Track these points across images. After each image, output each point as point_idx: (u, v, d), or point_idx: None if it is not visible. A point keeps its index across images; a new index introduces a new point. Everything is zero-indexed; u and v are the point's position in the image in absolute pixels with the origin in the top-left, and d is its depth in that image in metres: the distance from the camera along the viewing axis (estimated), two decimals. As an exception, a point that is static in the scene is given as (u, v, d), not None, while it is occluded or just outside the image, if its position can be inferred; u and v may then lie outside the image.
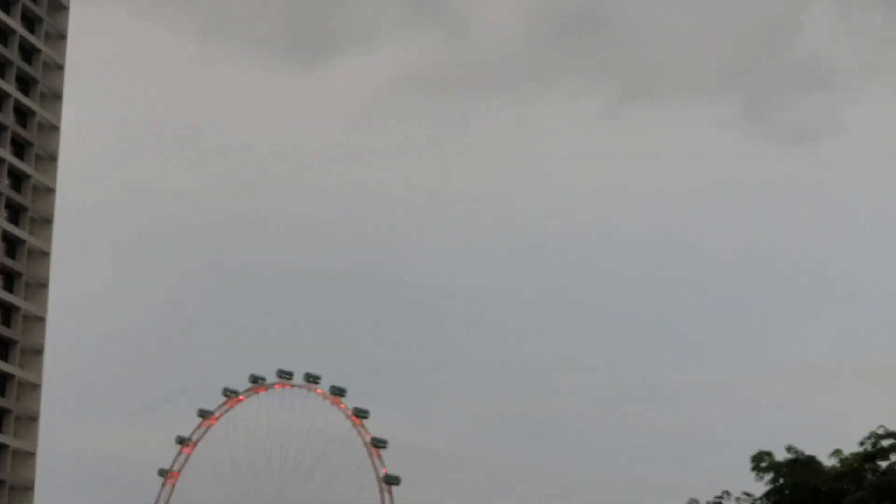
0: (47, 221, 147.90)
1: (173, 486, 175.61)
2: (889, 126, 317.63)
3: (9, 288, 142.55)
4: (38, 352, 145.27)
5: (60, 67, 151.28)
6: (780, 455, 74.10)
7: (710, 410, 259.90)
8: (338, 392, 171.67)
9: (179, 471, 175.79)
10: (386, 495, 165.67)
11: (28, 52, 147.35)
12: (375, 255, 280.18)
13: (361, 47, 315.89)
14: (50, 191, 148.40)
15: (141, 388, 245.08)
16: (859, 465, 70.47)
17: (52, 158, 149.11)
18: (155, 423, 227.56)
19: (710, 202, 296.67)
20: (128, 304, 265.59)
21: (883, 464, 70.40)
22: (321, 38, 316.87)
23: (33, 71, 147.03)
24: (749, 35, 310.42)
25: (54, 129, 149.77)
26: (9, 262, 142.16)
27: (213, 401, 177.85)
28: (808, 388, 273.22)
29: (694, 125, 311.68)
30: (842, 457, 71.73)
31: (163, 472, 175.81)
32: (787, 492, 72.43)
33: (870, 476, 70.25)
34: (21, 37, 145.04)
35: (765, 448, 74.87)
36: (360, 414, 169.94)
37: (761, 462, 74.03)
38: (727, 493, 75.77)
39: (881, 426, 70.96)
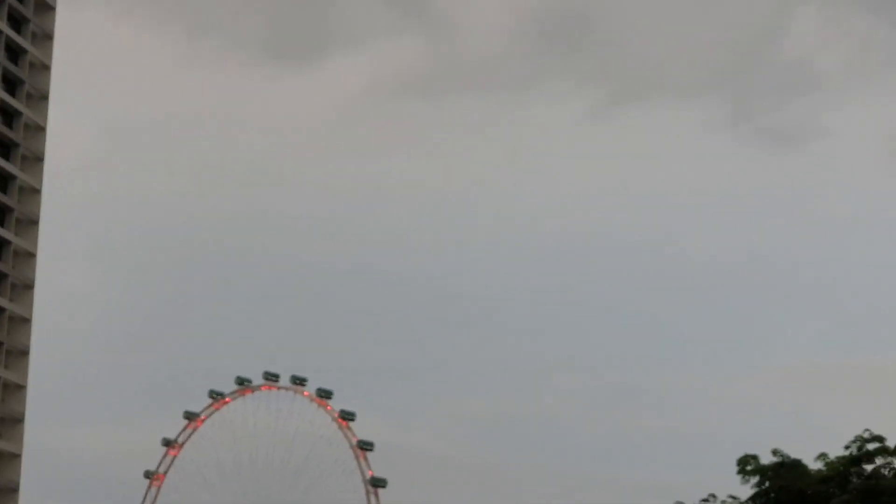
0: (33, 222, 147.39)
1: (159, 488, 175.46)
2: (875, 129, 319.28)
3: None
4: (24, 353, 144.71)
5: (47, 68, 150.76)
6: (766, 458, 74.17)
7: (699, 412, 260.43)
8: (324, 394, 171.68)
9: (165, 473, 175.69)
10: (373, 498, 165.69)
11: (14, 52, 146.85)
12: (362, 255, 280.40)
13: (347, 49, 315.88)
14: (36, 192, 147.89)
15: (127, 390, 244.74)
16: (845, 469, 70.60)
17: (39, 159, 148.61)
18: (141, 425, 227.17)
19: (698, 205, 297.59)
20: (114, 305, 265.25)
21: (868, 467, 70.54)
22: (306, 40, 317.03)
23: (19, 71, 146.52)
24: (736, 39, 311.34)
25: (40, 129, 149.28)
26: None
27: (199, 403, 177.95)
28: (797, 390, 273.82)
29: (681, 128, 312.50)
30: (827, 460, 71.86)
31: (148, 474, 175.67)
32: (772, 495, 72.52)
33: (855, 480, 70.39)
34: (7, 37, 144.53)
35: (750, 451, 74.95)
36: (347, 416, 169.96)
37: (747, 465, 74.11)
38: (713, 495, 75.90)
39: (867, 430, 71.13)
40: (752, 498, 73.62)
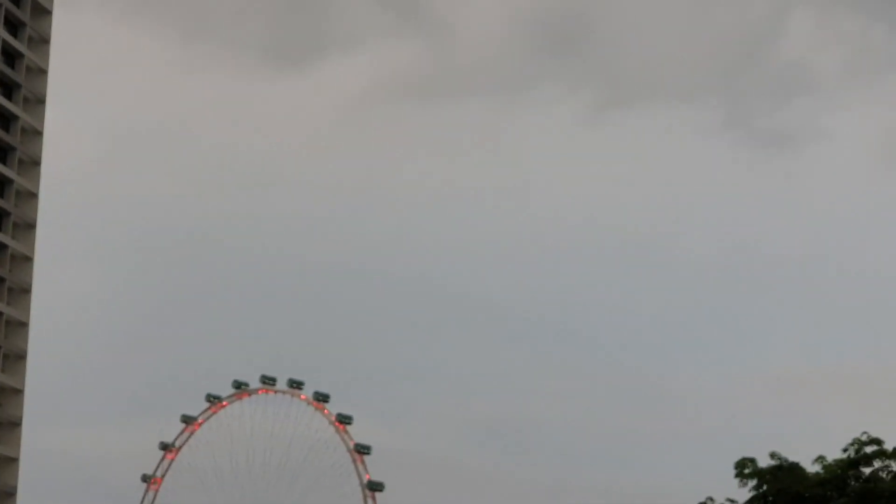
0: (30, 226, 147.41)
1: (156, 491, 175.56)
2: (870, 132, 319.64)
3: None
4: (21, 357, 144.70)
5: (44, 72, 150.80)
6: (764, 461, 74.20)
7: (697, 415, 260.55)
8: (321, 398, 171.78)
9: (163, 476, 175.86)
10: (370, 501, 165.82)
11: (11, 56, 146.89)
12: (360, 257, 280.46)
13: (344, 52, 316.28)
14: (33, 196, 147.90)
15: (124, 394, 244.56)
16: (843, 472, 70.49)
17: (36, 163, 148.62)
18: (138, 429, 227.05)
19: (694, 207, 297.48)
20: (111, 309, 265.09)
21: (866, 470, 70.48)
22: (304, 43, 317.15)
23: (16, 75, 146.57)
24: (731, 41, 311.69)
25: (37, 133, 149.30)
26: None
27: (197, 406, 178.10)
28: (793, 393, 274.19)
29: (675, 131, 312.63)
30: (825, 463, 71.73)
31: (146, 478, 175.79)
32: (770, 498, 72.48)
33: (853, 483, 70.33)
34: (4, 41, 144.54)
35: (748, 454, 74.99)
36: (344, 420, 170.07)
37: (744, 468, 74.02)
38: (711, 499, 75.83)
39: (864, 433, 70.99)
40: (750, 501, 73.54)
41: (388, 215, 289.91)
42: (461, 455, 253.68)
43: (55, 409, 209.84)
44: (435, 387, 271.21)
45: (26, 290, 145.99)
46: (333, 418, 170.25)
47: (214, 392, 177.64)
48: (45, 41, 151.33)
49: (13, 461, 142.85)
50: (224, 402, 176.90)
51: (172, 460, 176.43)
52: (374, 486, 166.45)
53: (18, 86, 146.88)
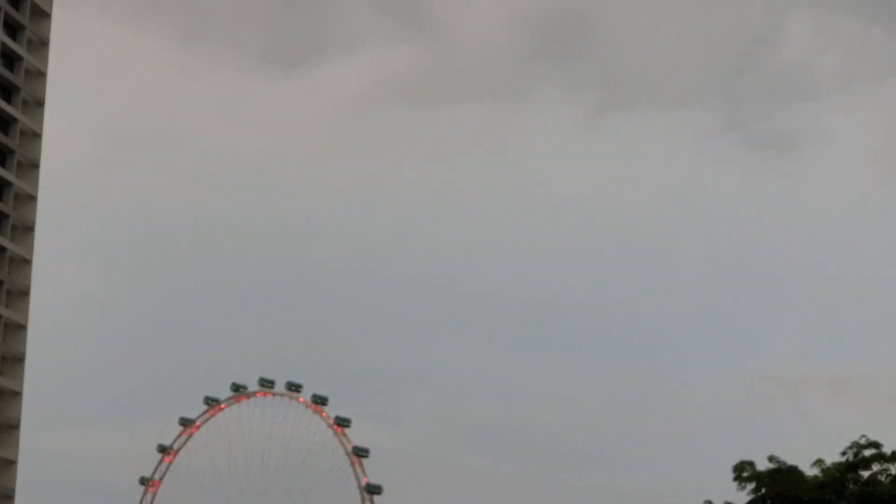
0: (29, 229, 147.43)
1: (154, 494, 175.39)
2: (869, 135, 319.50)
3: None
4: (20, 359, 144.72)
5: (43, 75, 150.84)
6: (762, 465, 74.19)
7: (693, 418, 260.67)
8: (320, 401, 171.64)
9: (160, 479, 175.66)
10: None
11: (10, 59, 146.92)
12: (359, 260, 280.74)
13: (344, 54, 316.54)
14: (32, 198, 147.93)
15: (122, 396, 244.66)
16: (841, 476, 70.53)
17: (34, 166, 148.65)
18: (136, 432, 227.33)
19: (691, 210, 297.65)
20: (109, 311, 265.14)
21: (865, 474, 70.52)
22: (303, 45, 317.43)
23: (15, 78, 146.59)
24: (729, 45, 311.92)
25: (36, 136, 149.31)
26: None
27: (195, 409, 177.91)
28: (792, 396, 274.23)
29: (674, 134, 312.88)
30: (824, 467, 71.77)
31: (144, 481, 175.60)
32: (768, 502, 72.51)
33: (852, 486, 70.36)
34: (3, 44, 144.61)
35: (746, 457, 75.01)
36: (342, 423, 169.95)
37: (743, 472, 74.04)
38: (709, 502, 75.93)
39: (863, 436, 71.03)
40: (749, 504, 73.71)
41: (387, 217, 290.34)
42: (460, 457, 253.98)
43: (53, 411, 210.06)
44: (434, 389, 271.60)
45: (25, 293, 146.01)
46: (332, 421, 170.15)
47: (213, 394, 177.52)
48: (44, 44, 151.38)
49: (11, 463, 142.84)
50: (222, 405, 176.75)
51: (170, 463, 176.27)
52: (373, 489, 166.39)
53: (17, 88, 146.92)
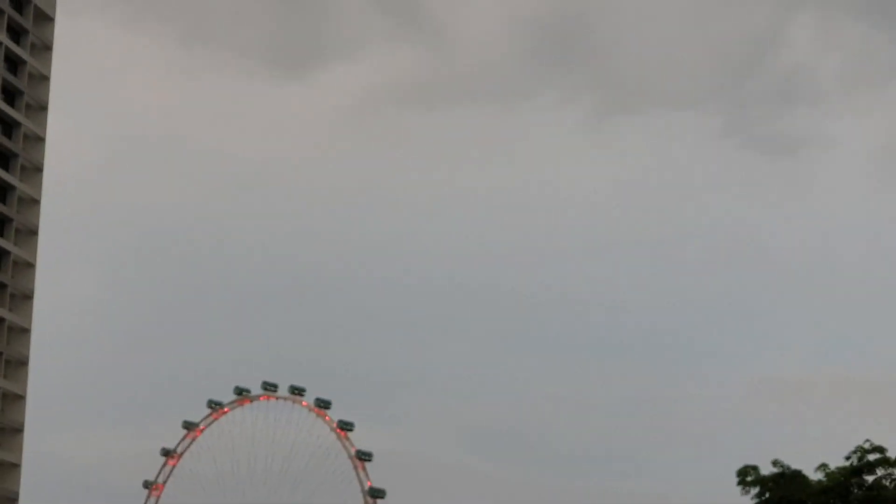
0: (32, 233, 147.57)
1: (158, 497, 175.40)
2: (872, 139, 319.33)
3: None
4: (23, 363, 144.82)
5: (46, 78, 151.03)
6: (766, 469, 74.27)
7: (696, 422, 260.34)
8: (323, 404, 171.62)
9: (164, 483, 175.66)
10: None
11: (13, 63, 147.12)
12: (361, 262, 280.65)
13: (345, 58, 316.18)
14: (35, 202, 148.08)
15: (126, 400, 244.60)
16: (845, 480, 70.62)
17: (38, 169, 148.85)
18: (140, 435, 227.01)
19: (693, 214, 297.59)
20: (113, 315, 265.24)
21: (869, 478, 70.58)
22: (305, 49, 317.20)
23: (19, 82, 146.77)
24: (731, 47, 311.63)
25: (40, 140, 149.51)
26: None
27: (198, 413, 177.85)
28: (794, 400, 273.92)
29: (676, 138, 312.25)
30: (828, 471, 71.90)
31: (147, 484, 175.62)
32: (772, 505, 72.64)
33: (856, 490, 70.45)
34: (6, 48, 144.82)
35: (750, 461, 75.09)
36: (346, 426, 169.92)
37: (747, 476, 74.21)
38: (713, 507, 76.00)
39: (867, 440, 71.12)
40: (753, 508, 73.73)
41: (389, 219, 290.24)
42: (463, 461, 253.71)
43: (57, 414, 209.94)
44: (437, 392, 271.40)
45: (28, 297, 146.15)
46: (335, 425, 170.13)
47: (216, 398, 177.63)
48: (47, 48, 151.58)
49: (15, 467, 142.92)
50: (225, 409, 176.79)
51: (174, 466, 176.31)
52: (376, 493, 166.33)
53: (21, 92, 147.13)
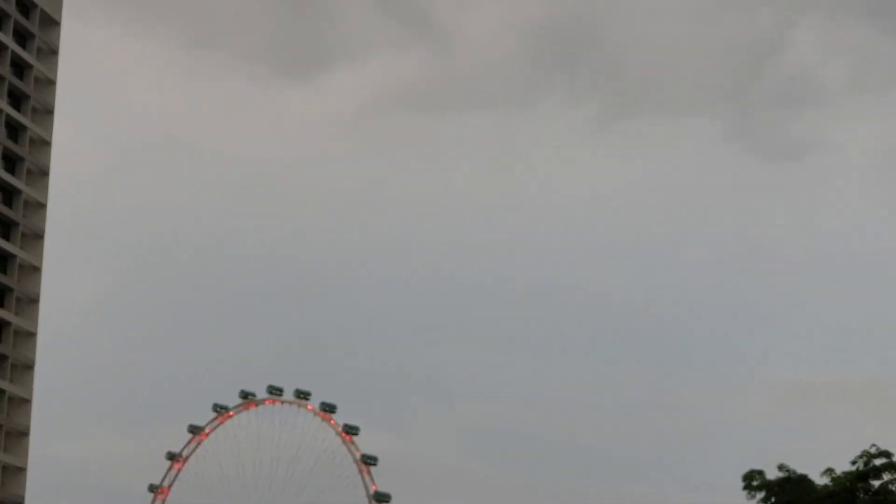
0: (38, 237, 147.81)
1: (163, 501, 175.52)
2: (877, 143, 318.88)
3: (0, 303, 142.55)
4: (29, 367, 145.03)
5: (52, 83, 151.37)
6: (772, 473, 74.16)
7: (701, 426, 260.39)
8: (328, 408, 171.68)
9: (170, 486, 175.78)
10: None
11: (20, 67, 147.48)
12: (363, 266, 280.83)
13: (349, 62, 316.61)
14: (41, 206, 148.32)
15: (131, 404, 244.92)
16: (851, 485, 70.42)
17: (44, 173, 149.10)
18: (145, 439, 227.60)
19: (698, 218, 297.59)
20: (118, 318, 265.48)
21: (875, 483, 70.40)
22: (309, 53, 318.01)
23: (25, 86, 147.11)
24: (737, 52, 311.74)
25: (46, 144, 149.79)
26: (0, 277, 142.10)
27: (204, 416, 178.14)
28: (797, 405, 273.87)
29: (681, 142, 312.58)
30: (834, 476, 71.64)
31: (153, 488, 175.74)
32: (778, 510, 72.54)
33: (862, 495, 70.25)
34: (13, 52, 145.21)
35: (756, 466, 74.99)
36: (351, 430, 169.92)
37: (752, 480, 74.00)
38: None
39: (873, 445, 70.89)
40: (758, 513, 73.59)
41: (393, 223, 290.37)
42: (468, 464, 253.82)
43: (63, 418, 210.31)
44: (442, 396, 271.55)
45: (34, 300, 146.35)
46: (340, 429, 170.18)
47: (221, 402, 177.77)
48: (53, 52, 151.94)
49: (21, 471, 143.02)
50: (231, 413, 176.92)
51: (179, 470, 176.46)
52: (381, 498, 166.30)
53: (27, 96, 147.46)
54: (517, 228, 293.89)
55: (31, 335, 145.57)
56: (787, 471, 73.48)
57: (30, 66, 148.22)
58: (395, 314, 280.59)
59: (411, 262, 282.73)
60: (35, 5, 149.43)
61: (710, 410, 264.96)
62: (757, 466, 74.36)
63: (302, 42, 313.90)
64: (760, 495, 73.47)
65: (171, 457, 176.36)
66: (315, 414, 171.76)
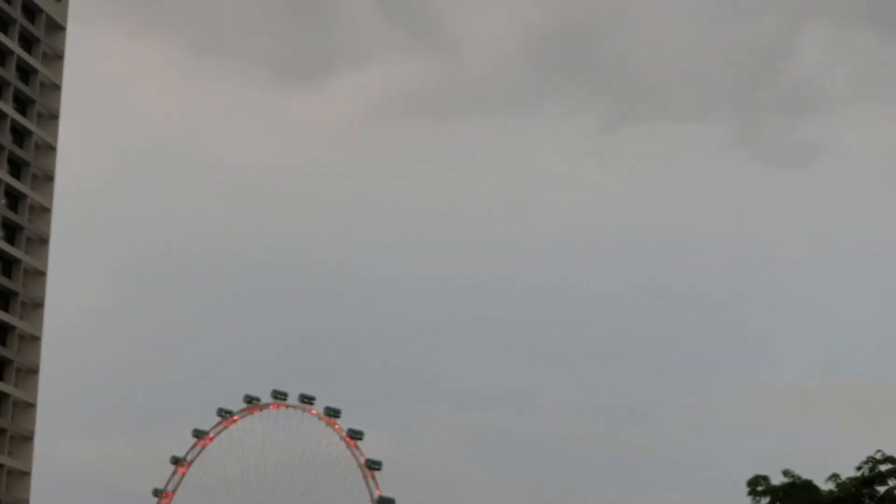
0: (43, 241, 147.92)
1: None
2: (880, 148, 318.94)
3: (4, 307, 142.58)
4: (34, 371, 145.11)
5: (57, 87, 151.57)
6: (777, 479, 74.08)
7: (706, 432, 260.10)
8: (332, 413, 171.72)
9: (174, 491, 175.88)
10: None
11: (25, 72, 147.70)
12: (369, 271, 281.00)
13: (354, 67, 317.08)
14: (46, 210, 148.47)
15: (136, 408, 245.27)
16: (857, 490, 70.35)
17: (49, 178, 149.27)
18: (150, 443, 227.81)
19: (702, 223, 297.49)
20: (123, 323, 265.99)
21: (881, 489, 70.32)
22: (314, 58, 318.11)
23: (30, 91, 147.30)
24: (741, 58, 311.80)
25: (51, 148, 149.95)
26: (5, 281, 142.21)
27: (208, 421, 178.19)
28: (802, 410, 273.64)
29: (686, 146, 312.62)
30: (839, 481, 71.57)
31: (157, 492, 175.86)
32: (783, 516, 72.46)
33: (867, 501, 70.22)
34: (19, 57, 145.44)
35: (761, 472, 74.92)
36: (355, 435, 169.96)
37: (757, 486, 73.93)
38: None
39: (879, 451, 70.84)
40: (763, 519, 73.52)
41: (398, 229, 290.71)
42: (472, 470, 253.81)
43: (67, 422, 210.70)
44: (446, 401, 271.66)
45: (39, 304, 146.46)
46: (344, 433, 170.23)
47: (226, 406, 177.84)
48: (59, 57, 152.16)
49: (25, 475, 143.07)
50: (235, 417, 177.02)
51: (184, 475, 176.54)
52: (385, 502, 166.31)
53: (32, 101, 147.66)
54: (521, 232, 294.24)
55: (36, 339, 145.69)
56: (792, 476, 73.39)
57: (35, 71, 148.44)
58: (398, 318, 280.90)
59: (416, 267, 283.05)
60: (41, 10, 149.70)
61: (715, 415, 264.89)
62: (762, 472, 74.34)
63: (306, 47, 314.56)
64: (765, 501, 73.38)
65: (176, 461, 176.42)
66: (319, 419, 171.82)
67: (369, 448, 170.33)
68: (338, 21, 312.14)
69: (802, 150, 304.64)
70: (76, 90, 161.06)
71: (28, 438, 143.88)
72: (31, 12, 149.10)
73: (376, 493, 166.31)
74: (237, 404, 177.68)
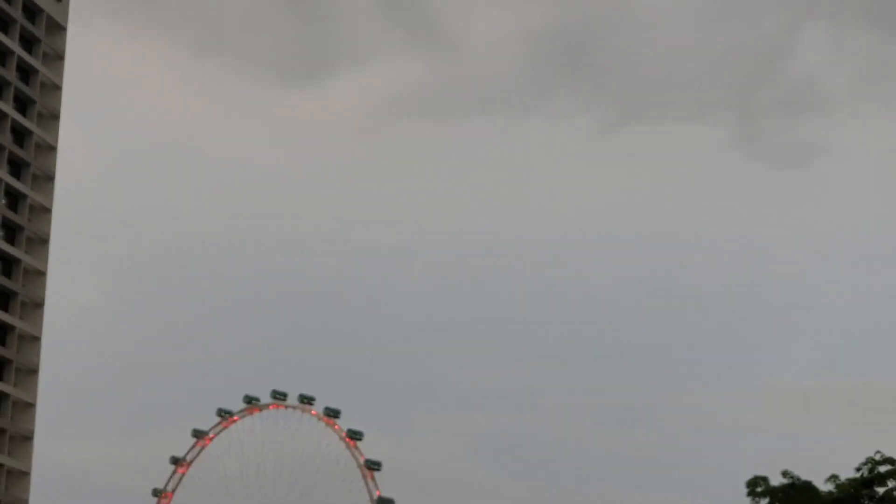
0: (44, 241, 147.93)
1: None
2: (880, 148, 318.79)
3: (4, 307, 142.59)
4: (33, 371, 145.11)
5: (58, 88, 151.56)
6: (776, 480, 74.14)
7: (705, 433, 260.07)
8: (332, 413, 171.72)
9: (173, 491, 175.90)
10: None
11: (26, 72, 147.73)
12: (369, 271, 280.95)
13: (355, 67, 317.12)
14: (46, 210, 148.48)
15: (135, 408, 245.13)
16: (856, 491, 70.45)
17: (49, 178, 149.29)
18: (149, 443, 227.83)
19: (703, 223, 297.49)
20: (123, 323, 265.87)
21: (880, 490, 70.41)
22: (315, 58, 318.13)
23: (31, 91, 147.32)
24: (742, 57, 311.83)
25: (51, 149, 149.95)
26: (5, 281, 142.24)
27: (208, 421, 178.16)
28: (801, 411, 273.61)
29: (686, 146, 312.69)
30: (838, 482, 71.68)
31: (157, 492, 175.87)
32: (782, 517, 72.52)
33: (867, 502, 70.33)
34: (19, 57, 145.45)
35: (760, 473, 74.98)
36: (355, 436, 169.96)
37: (757, 487, 74.03)
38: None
39: (878, 452, 70.93)
40: (762, 519, 73.58)
41: (399, 229, 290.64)
42: (472, 470, 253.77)
43: (67, 422, 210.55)
44: (446, 402, 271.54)
45: (39, 305, 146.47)
46: (344, 434, 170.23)
47: (225, 406, 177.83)
48: (59, 57, 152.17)
49: (25, 475, 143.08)
50: (235, 417, 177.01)
51: (183, 475, 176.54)
52: (385, 503, 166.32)
53: (33, 101, 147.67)
54: (521, 232, 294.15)
55: (36, 339, 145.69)
56: (792, 477, 73.49)
57: (36, 72, 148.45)
58: (398, 318, 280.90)
59: (416, 267, 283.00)
60: (41, 10, 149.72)
61: (715, 415, 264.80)
62: (761, 472, 74.42)
63: (307, 47, 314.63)
64: (764, 502, 73.47)
65: (175, 461, 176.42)
66: (319, 419, 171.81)
67: (369, 448, 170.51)
68: (338, 21, 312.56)
69: (802, 150, 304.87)
70: (76, 90, 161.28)
71: (28, 438, 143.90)
72: (32, 12, 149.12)
73: (376, 494, 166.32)
74: (237, 404, 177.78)
